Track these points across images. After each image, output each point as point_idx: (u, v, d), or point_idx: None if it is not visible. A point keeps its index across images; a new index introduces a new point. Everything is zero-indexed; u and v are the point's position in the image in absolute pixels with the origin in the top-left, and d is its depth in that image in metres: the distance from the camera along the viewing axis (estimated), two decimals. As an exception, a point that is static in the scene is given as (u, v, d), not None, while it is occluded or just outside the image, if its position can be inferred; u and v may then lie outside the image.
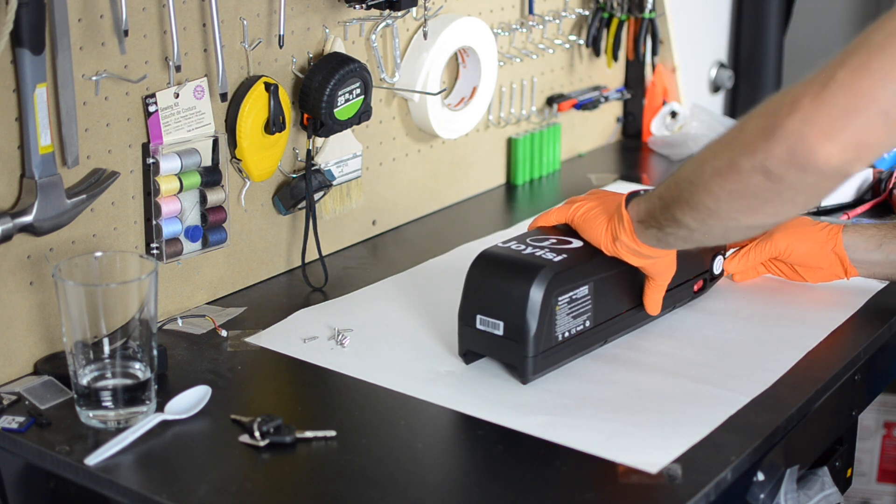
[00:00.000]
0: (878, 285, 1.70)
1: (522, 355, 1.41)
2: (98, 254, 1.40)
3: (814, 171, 1.16)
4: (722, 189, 1.25)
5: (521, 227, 1.91)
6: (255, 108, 1.63)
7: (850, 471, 1.68)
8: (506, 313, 1.41)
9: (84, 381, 1.34)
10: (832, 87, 1.13)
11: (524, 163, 2.15)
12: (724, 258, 1.66)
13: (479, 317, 1.44)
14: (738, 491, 1.35)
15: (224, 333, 1.56)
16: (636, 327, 1.57)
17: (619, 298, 1.51)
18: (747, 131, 1.21)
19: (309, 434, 1.32)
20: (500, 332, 1.42)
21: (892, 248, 1.63)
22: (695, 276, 1.61)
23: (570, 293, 1.43)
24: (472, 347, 1.46)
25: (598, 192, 1.52)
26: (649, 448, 1.30)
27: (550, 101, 2.21)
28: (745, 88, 2.81)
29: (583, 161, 2.30)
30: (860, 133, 1.14)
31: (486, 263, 1.46)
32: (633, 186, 2.07)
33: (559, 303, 1.42)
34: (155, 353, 1.36)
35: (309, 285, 1.72)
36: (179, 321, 1.59)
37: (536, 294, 1.39)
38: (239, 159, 1.64)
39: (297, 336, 1.57)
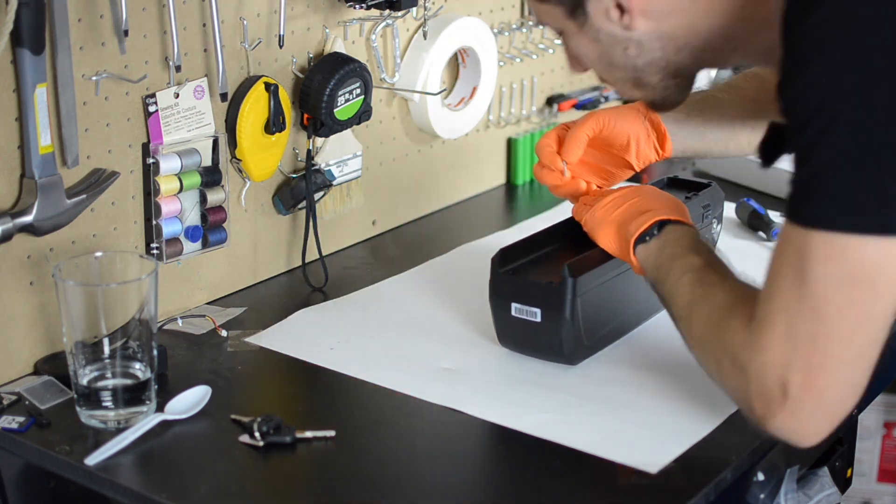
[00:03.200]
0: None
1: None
2: (98, 254, 1.40)
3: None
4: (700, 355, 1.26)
5: (521, 227, 1.92)
6: (255, 108, 1.63)
7: (850, 471, 1.67)
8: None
9: (84, 381, 1.34)
10: (793, 392, 1.12)
11: (524, 163, 2.15)
12: None
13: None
14: (738, 491, 1.35)
15: (224, 333, 1.56)
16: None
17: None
18: (733, 399, 1.21)
19: (309, 434, 1.32)
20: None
21: (699, 118, 1.57)
22: None
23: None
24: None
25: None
26: (649, 448, 1.30)
27: (550, 101, 2.21)
28: (745, 88, 2.80)
29: (583, 161, 2.30)
30: (845, 409, 1.16)
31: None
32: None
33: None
34: (155, 353, 1.36)
35: (309, 285, 1.72)
36: (179, 321, 1.59)
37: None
38: (239, 159, 1.64)
39: (297, 336, 1.57)
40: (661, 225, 1.39)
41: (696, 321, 1.25)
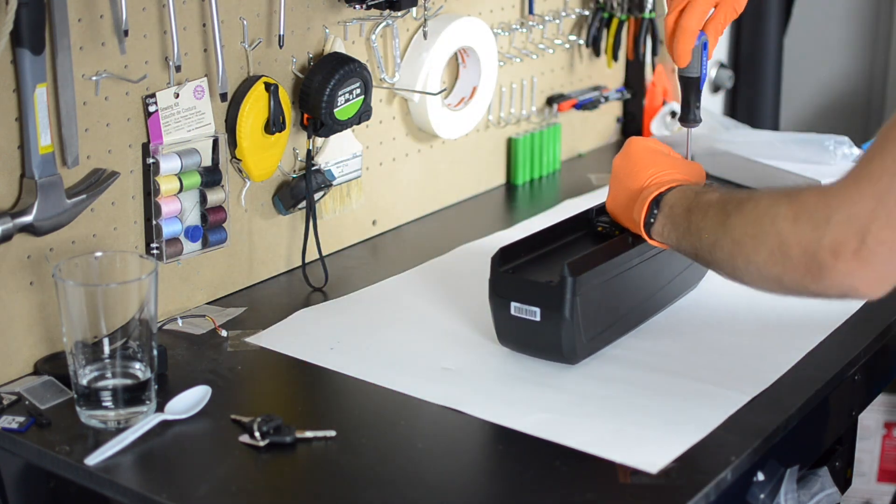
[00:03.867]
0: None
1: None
2: (98, 254, 1.40)
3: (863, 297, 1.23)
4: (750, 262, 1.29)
5: (522, 227, 1.92)
6: (255, 108, 1.63)
7: (850, 471, 1.68)
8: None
9: (84, 381, 1.34)
10: (870, 242, 1.16)
11: (524, 163, 2.15)
12: None
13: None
14: (738, 491, 1.35)
15: (224, 333, 1.56)
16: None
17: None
18: (792, 258, 1.23)
19: (309, 434, 1.32)
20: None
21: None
22: None
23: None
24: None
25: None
26: (649, 448, 1.30)
27: (550, 101, 2.21)
28: (745, 88, 2.80)
29: (583, 161, 2.30)
30: None
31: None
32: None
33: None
34: (155, 353, 1.36)
35: (309, 285, 1.72)
36: (179, 321, 1.59)
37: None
38: (239, 159, 1.64)
39: (297, 336, 1.57)
40: (657, 201, 1.43)
41: (738, 221, 1.28)
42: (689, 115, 1.63)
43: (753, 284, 1.30)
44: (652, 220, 1.43)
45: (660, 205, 1.43)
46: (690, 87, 1.61)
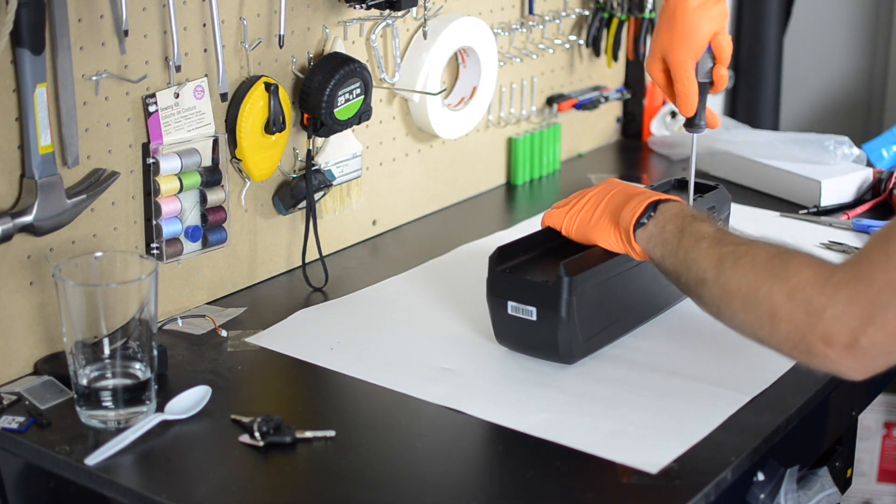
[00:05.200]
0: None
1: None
2: (98, 254, 1.40)
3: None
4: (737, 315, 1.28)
5: (522, 227, 1.92)
6: (255, 108, 1.63)
7: (850, 471, 1.67)
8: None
9: (84, 381, 1.34)
10: (862, 342, 1.16)
11: (524, 163, 2.15)
12: None
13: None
14: (738, 491, 1.35)
15: (224, 333, 1.56)
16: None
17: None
18: (780, 331, 1.22)
19: (309, 434, 1.32)
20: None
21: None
22: None
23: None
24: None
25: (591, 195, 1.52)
26: (649, 448, 1.30)
27: (550, 101, 2.21)
28: (745, 88, 2.81)
29: (583, 161, 2.30)
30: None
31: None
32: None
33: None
34: (155, 353, 1.36)
35: (309, 285, 1.72)
36: (179, 321, 1.59)
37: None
38: (239, 159, 1.64)
39: (297, 336, 1.57)
40: (654, 206, 1.42)
41: (731, 272, 1.27)
42: (695, 119, 1.60)
43: (734, 330, 1.30)
44: (645, 222, 1.42)
45: (657, 209, 1.42)
46: (701, 93, 1.60)
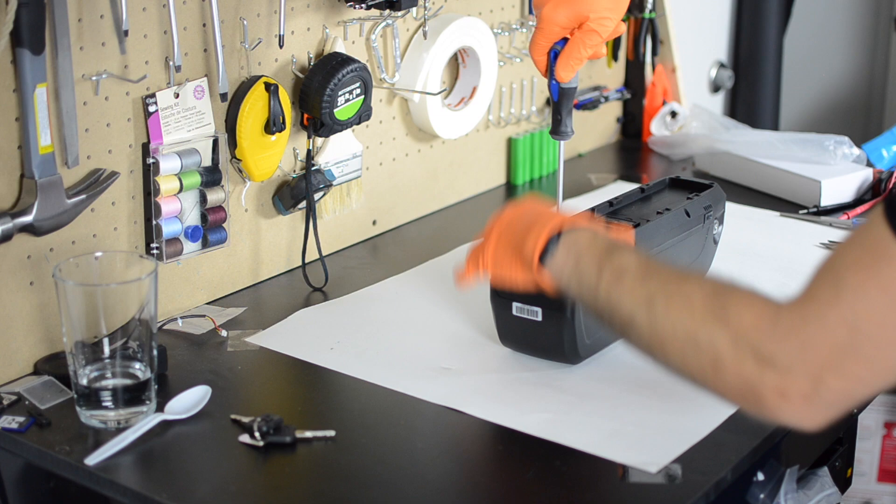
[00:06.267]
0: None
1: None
2: (98, 254, 1.40)
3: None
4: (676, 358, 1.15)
5: (521, 227, 1.92)
6: (255, 108, 1.63)
7: (850, 471, 1.68)
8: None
9: (84, 381, 1.34)
10: (822, 391, 1.05)
11: (524, 163, 2.15)
12: None
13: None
14: (738, 491, 1.35)
15: (224, 333, 1.56)
16: None
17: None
18: (727, 381, 1.09)
19: (309, 434, 1.32)
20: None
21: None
22: None
23: None
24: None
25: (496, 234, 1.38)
26: (649, 448, 1.30)
27: (550, 101, 2.21)
28: (744, 88, 2.81)
29: (583, 161, 2.30)
30: (859, 404, 1.09)
31: None
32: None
33: None
34: (155, 353, 1.36)
35: (309, 285, 1.72)
36: (179, 321, 1.59)
37: None
38: (239, 159, 1.64)
39: (297, 336, 1.57)
40: (558, 236, 1.28)
41: (663, 314, 1.13)
42: (560, 127, 1.54)
43: (670, 374, 1.17)
44: (548, 255, 1.28)
45: (563, 239, 1.27)
46: (566, 98, 1.55)
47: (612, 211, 1.62)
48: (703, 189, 1.68)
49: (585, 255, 1.24)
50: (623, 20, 1.54)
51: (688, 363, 1.13)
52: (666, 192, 1.70)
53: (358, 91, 1.72)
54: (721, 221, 1.70)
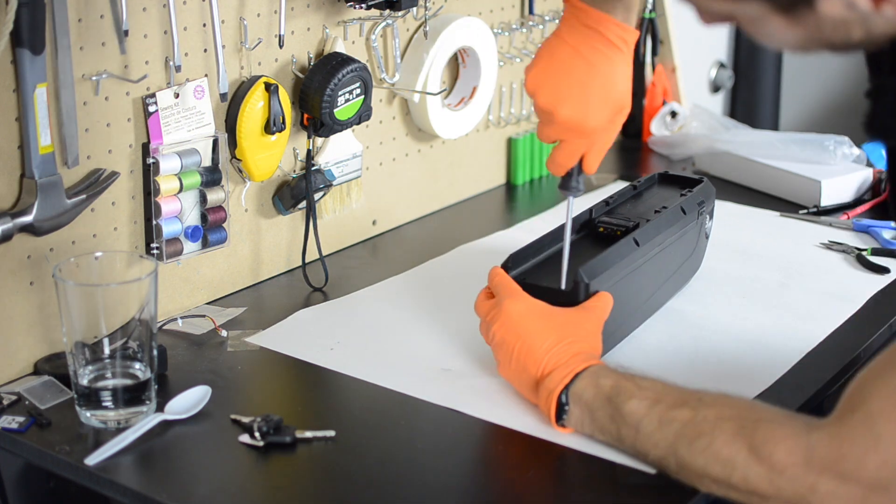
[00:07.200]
0: (879, 284, 1.70)
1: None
2: (98, 254, 1.40)
3: None
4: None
5: (522, 227, 1.92)
6: (255, 108, 1.63)
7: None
8: None
9: (84, 381, 1.34)
10: None
11: (524, 163, 2.15)
12: None
13: None
14: (738, 491, 1.35)
15: (224, 333, 1.56)
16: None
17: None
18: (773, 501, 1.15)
19: (309, 434, 1.32)
20: None
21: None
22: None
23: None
24: None
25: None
26: (649, 448, 1.30)
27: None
28: (744, 88, 2.81)
29: (583, 161, 2.30)
30: None
31: None
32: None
33: None
34: (155, 353, 1.36)
35: (309, 285, 1.72)
36: (179, 321, 1.59)
37: None
38: (239, 159, 1.64)
39: (297, 336, 1.57)
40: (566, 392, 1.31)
41: (692, 460, 1.19)
42: (570, 182, 1.46)
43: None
44: (564, 416, 1.31)
45: (569, 396, 1.30)
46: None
47: (609, 210, 1.63)
48: (693, 184, 1.69)
49: (597, 410, 1.28)
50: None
51: (728, 494, 1.18)
52: (656, 188, 1.71)
53: (358, 91, 1.72)
54: (711, 216, 1.70)
